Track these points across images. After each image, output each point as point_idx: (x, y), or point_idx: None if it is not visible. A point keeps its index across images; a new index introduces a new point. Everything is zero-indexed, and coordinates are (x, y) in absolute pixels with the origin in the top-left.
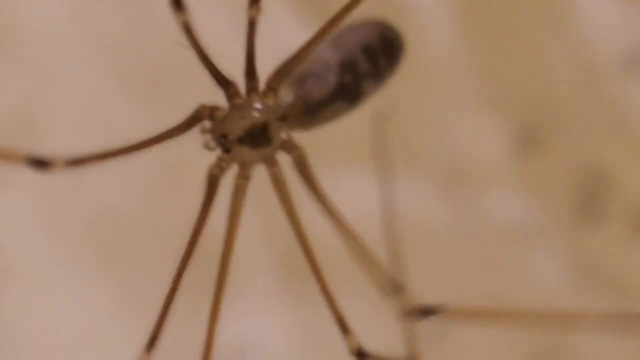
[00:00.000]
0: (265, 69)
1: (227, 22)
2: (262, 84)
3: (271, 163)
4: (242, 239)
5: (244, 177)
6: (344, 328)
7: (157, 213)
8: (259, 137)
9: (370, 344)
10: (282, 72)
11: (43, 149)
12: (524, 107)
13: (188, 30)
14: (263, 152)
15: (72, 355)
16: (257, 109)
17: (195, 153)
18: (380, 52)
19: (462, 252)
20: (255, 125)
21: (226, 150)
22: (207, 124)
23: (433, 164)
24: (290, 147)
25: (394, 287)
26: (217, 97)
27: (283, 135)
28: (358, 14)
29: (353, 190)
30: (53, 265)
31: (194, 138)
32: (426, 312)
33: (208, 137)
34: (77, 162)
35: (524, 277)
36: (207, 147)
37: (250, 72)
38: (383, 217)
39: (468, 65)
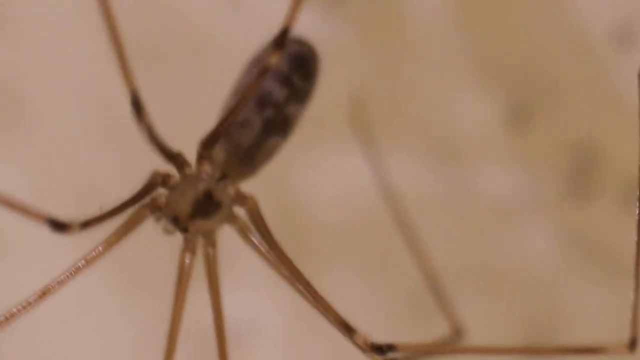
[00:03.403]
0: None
1: None
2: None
3: (231, 220)
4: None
5: (211, 245)
6: (348, 329)
7: None
8: (208, 206)
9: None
10: (210, 141)
11: (30, 123)
12: (515, 82)
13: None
14: (219, 217)
15: (67, 327)
16: (194, 181)
17: None
18: (290, 71)
19: (453, 225)
20: (199, 196)
21: (184, 230)
22: (156, 213)
23: (424, 139)
24: (241, 199)
25: (348, 329)
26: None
27: (231, 192)
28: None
29: (343, 167)
30: (47, 238)
31: None
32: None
33: (163, 223)
34: (89, 223)
35: (515, 250)
36: (167, 231)
37: (171, 156)
38: (380, 191)
39: (460, 40)
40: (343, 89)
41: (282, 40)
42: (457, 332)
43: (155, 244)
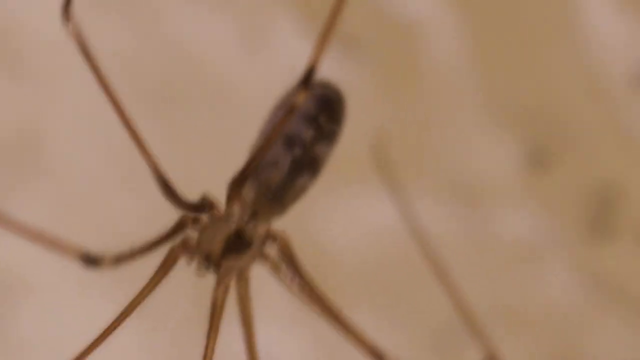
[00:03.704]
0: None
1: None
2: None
3: (263, 258)
4: None
5: (244, 283)
6: (379, 356)
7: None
8: (239, 244)
9: None
10: (239, 180)
11: (50, 166)
12: (534, 124)
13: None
14: (250, 255)
15: None
16: (224, 220)
17: None
18: (317, 112)
19: (474, 267)
20: (230, 234)
21: (217, 268)
22: (188, 253)
23: (444, 182)
24: (272, 237)
25: (379, 356)
26: (220, 126)
27: (261, 230)
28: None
29: (365, 208)
30: (67, 279)
31: None
32: None
33: (195, 264)
34: (121, 259)
35: (537, 291)
36: (200, 274)
37: (197, 207)
38: (403, 232)
39: (477, 83)
40: (362, 132)
41: (308, 79)
42: None
43: (176, 279)
